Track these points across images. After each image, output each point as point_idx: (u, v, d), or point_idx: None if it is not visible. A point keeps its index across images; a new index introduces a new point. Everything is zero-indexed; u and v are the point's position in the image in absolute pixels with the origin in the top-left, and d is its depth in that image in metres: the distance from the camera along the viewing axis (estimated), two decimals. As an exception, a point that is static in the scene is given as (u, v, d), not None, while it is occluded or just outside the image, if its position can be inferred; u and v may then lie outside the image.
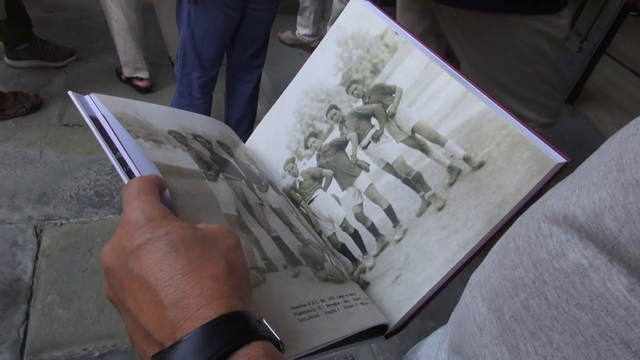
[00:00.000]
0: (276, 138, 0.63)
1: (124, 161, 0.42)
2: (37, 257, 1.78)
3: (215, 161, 0.53)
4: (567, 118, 2.72)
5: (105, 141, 0.44)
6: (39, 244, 1.83)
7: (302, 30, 3.18)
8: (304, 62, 0.62)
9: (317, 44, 0.61)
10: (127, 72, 2.64)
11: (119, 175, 0.42)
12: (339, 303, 0.47)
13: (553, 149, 0.45)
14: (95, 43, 3.02)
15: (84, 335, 1.59)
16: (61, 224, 1.92)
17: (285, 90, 0.63)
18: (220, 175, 0.51)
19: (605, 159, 0.27)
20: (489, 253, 0.36)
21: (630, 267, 0.23)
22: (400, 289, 0.51)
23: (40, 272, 1.73)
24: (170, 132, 0.51)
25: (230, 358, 0.28)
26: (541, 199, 0.32)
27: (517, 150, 0.45)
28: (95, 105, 0.46)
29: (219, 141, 0.59)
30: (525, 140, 0.45)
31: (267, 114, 0.65)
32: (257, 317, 0.31)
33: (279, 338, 0.31)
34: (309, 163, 0.60)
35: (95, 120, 0.45)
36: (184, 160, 0.49)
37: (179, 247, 0.31)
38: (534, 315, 0.28)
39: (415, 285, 0.50)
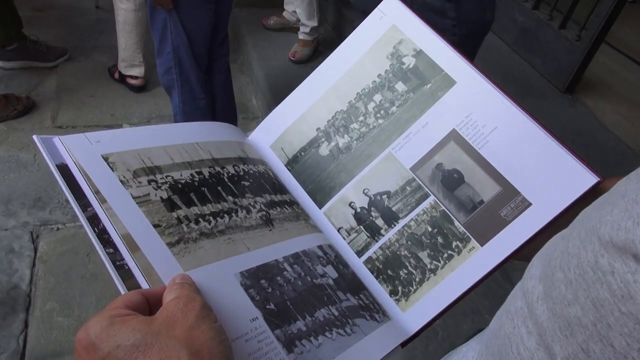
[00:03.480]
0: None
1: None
2: (34, 264, 1.74)
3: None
4: (567, 108, 2.69)
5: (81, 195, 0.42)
6: (35, 250, 1.79)
7: (292, 7, 3.07)
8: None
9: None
10: (122, 68, 2.59)
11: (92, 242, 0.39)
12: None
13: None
14: (87, 42, 2.96)
15: (85, 342, 1.55)
16: (58, 229, 1.88)
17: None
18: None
19: None
20: (527, 276, 0.33)
21: None
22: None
23: (38, 279, 1.70)
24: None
25: None
26: (590, 223, 0.28)
27: None
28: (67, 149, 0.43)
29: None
30: None
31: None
32: None
33: None
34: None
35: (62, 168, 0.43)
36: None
37: (134, 356, 0.30)
38: None
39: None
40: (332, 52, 0.61)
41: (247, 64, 3.05)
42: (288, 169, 0.60)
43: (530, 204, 0.48)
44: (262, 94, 2.70)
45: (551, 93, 2.80)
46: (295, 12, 3.04)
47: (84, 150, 0.44)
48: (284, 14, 3.15)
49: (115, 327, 0.31)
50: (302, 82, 0.62)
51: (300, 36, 2.87)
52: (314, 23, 2.83)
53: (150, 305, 0.36)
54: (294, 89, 0.62)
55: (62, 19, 3.12)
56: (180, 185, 0.47)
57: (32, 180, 2.05)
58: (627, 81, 2.96)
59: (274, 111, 0.63)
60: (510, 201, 0.49)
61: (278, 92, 2.56)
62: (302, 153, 0.60)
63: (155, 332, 0.31)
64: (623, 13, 2.58)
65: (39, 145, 0.42)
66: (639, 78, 2.99)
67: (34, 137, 0.43)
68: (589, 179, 0.46)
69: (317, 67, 0.61)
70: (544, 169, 0.48)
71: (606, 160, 2.23)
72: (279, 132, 0.61)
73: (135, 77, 2.62)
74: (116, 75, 2.66)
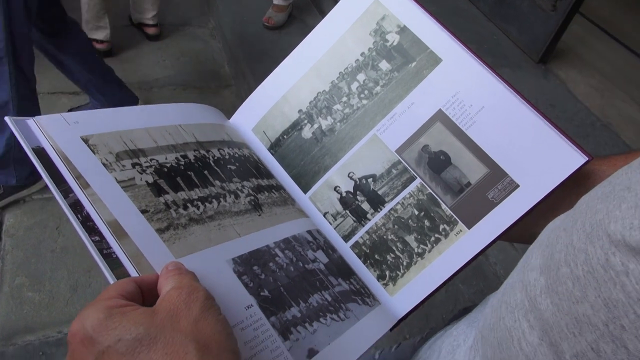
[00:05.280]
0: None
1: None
2: (0, 238, 1.69)
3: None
4: (540, 79, 2.72)
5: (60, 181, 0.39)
6: (1, 223, 1.73)
7: None
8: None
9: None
10: (86, 31, 2.45)
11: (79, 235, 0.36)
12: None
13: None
14: (47, 2, 2.79)
15: (58, 317, 1.53)
16: (24, 202, 1.82)
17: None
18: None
19: None
20: (527, 267, 0.32)
21: None
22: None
23: (6, 254, 1.64)
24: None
25: None
26: (596, 217, 0.27)
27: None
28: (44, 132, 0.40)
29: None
30: None
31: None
32: None
33: None
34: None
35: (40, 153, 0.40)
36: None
37: (138, 350, 0.28)
38: None
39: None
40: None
41: (218, 29, 2.94)
42: (271, 152, 0.58)
43: (518, 186, 0.48)
44: (235, 61, 2.62)
45: (525, 63, 2.82)
46: None
47: (62, 132, 0.41)
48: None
49: (114, 320, 0.29)
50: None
51: (275, 1, 2.77)
52: (289, -13, 2.74)
53: (143, 294, 0.34)
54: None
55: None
56: (165, 169, 0.45)
57: (-6, 151, 1.96)
58: (599, 52, 3.00)
59: (254, 92, 0.60)
60: (498, 183, 0.48)
61: (251, 59, 2.49)
62: (285, 136, 0.58)
63: (159, 325, 0.29)
64: (598, -17, 2.58)
65: (13, 128, 0.39)
66: (609, 49, 3.04)
67: (6, 118, 0.40)
68: (578, 159, 0.45)
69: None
70: (532, 150, 0.48)
71: (576, 131, 2.28)
72: (260, 114, 0.59)
73: (101, 42, 2.50)
74: (80, 39, 2.52)
